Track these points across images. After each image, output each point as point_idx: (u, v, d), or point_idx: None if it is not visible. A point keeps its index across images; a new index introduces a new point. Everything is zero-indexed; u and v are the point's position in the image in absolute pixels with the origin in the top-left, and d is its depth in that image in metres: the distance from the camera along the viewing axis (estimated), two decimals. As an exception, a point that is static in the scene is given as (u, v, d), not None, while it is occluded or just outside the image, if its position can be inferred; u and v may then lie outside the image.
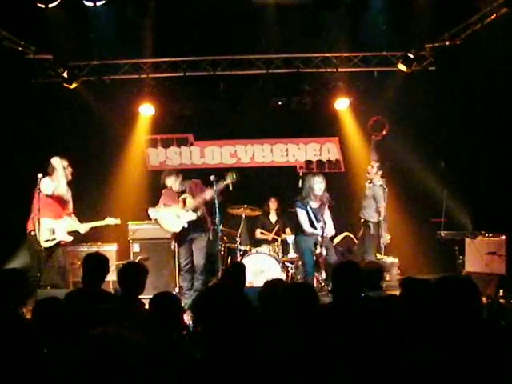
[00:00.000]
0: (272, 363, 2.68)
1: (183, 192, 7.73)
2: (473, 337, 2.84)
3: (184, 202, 7.54)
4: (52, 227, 7.37)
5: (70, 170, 7.50)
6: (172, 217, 7.56)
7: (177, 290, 7.80)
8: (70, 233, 7.50)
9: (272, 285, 4.26)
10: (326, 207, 7.78)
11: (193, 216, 7.60)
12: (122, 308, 4.09)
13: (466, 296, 3.00)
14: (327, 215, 7.80)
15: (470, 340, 2.83)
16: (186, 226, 7.57)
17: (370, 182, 8.37)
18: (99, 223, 7.86)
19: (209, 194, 7.52)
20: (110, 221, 7.93)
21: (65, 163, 7.46)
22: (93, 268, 4.83)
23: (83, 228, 7.66)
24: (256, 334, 2.91)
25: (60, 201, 7.46)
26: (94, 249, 8.41)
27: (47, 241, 7.34)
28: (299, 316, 3.20)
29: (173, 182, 7.80)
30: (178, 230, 7.64)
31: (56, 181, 7.40)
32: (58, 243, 7.40)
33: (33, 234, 7.40)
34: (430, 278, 5.37)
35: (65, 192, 7.47)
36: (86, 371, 2.22)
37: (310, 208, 7.66)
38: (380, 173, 8.35)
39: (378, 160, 8.38)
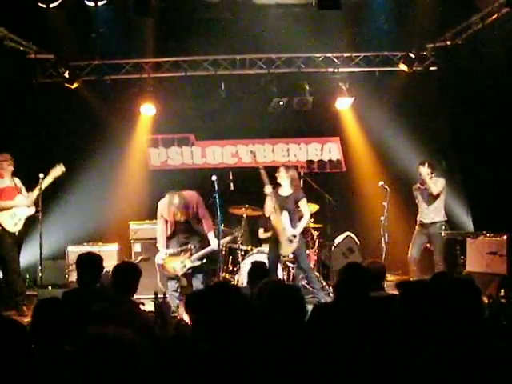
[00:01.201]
0: (270, 362, 2.69)
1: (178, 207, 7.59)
2: (474, 337, 2.84)
3: (190, 252, 7.56)
4: (12, 211, 7.46)
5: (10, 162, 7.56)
6: (177, 263, 7.55)
7: (179, 290, 7.79)
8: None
9: (266, 284, 4.26)
10: (301, 202, 7.64)
11: (198, 263, 7.60)
12: (114, 309, 4.08)
13: (466, 296, 3.00)
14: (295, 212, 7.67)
15: (472, 340, 2.82)
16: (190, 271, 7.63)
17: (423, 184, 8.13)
18: (46, 181, 7.64)
19: (215, 244, 7.55)
20: (56, 171, 7.72)
21: (1, 157, 7.52)
22: (87, 268, 4.83)
23: (33, 195, 7.62)
24: (255, 332, 2.91)
25: (11, 189, 7.55)
26: (95, 248, 8.41)
27: (16, 225, 7.47)
28: (287, 316, 3.20)
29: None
30: (180, 273, 7.60)
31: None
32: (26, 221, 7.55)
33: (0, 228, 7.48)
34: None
35: (8, 184, 7.54)
36: (82, 371, 2.22)
37: (278, 195, 7.59)
38: (432, 173, 8.09)
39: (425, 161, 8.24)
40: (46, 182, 7.66)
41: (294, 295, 3.36)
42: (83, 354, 2.25)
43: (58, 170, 7.77)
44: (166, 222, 7.57)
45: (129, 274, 4.48)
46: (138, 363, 2.23)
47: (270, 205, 7.61)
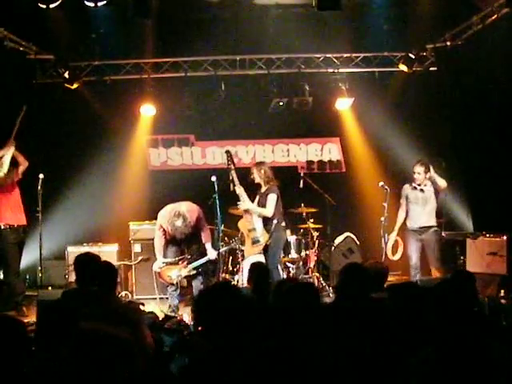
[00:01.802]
0: (272, 362, 2.68)
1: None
2: (468, 336, 2.84)
3: (187, 262, 7.59)
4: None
5: None
6: (173, 272, 7.60)
7: (178, 291, 7.81)
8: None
9: (283, 283, 4.27)
10: (269, 196, 7.55)
11: (193, 272, 7.66)
12: (103, 309, 4.09)
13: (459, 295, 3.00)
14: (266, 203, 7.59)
15: (466, 340, 2.82)
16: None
17: (420, 185, 7.81)
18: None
19: (213, 255, 7.64)
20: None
21: None
22: (85, 268, 4.84)
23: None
24: (256, 332, 2.91)
25: None
26: (95, 249, 8.41)
27: (1, 169, 7.58)
28: (302, 315, 3.20)
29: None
30: (175, 281, 7.63)
31: None
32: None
33: (2, 227, 7.46)
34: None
35: None
36: (76, 368, 2.21)
37: (259, 194, 7.68)
38: (429, 175, 7.78)
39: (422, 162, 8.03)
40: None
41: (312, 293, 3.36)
42: (77, 351, 2.24)
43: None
44: (165, 232, 7.57)
45: (109, 272, 4.52)
46: (131, 361, 2.22)
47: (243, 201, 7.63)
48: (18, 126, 7.72)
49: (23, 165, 7.78)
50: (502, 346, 2.91)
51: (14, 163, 7.77)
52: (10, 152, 7.66)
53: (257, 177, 7.67)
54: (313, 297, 3.39)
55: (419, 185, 7.87)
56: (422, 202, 7.88)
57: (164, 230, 7.54)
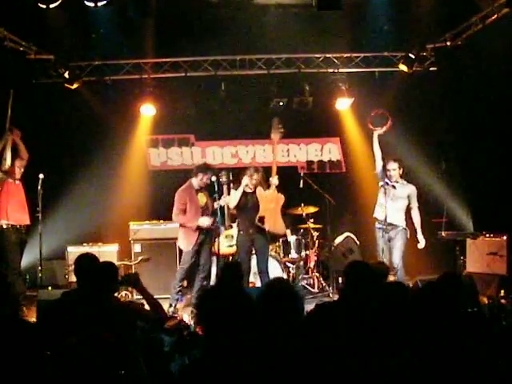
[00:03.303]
0: (273, 363, 2.68)
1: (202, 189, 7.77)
2: (455, 340, 2.83)
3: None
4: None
5: None
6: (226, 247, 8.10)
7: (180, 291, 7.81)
8: None
9: (272, 285, 4.26)
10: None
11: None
12: (101, 309, 4.08)
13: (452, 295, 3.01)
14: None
15: (451, 343, 2.82)
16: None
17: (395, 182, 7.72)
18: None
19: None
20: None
21: None
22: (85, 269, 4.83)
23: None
24: (257, 333, 2.91)
25: None
26: (95, 249, 8.43)
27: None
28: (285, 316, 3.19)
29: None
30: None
31: None
32: None
33: (5, 226, 7.45)
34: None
35: None
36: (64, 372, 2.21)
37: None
38: (401, 171, 7.76)
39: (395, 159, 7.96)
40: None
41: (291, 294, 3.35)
42: (65, 355, 2.24)
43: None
44: (185, 212, 7.57)
45: (110, 272, 4.52)
46: (120, 364, 2.21)
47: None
48: (11, 114, 7.64)
49: (24, 157, 7.71)
50: (485, 349, 2.91)
51: (17, 154, 7.73)
52: (8, 142, 7.59)
53: (256, 182, 7.63)
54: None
55: (396, 182, 7.76)
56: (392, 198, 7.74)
57: (184, 210, 7.59)
